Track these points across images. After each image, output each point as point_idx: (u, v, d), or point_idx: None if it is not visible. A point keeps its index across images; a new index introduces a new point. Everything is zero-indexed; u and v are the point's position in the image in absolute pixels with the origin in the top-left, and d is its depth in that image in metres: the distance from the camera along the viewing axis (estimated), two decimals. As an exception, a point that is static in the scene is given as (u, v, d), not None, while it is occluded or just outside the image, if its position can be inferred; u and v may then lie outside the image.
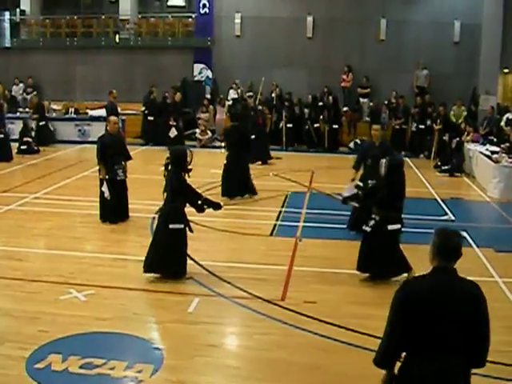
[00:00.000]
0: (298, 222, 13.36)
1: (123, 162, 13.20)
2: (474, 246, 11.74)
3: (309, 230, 12.68)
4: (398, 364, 4.70)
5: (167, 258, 9.59)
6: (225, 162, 15.83)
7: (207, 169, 19.30)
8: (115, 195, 12.91)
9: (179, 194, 9.69)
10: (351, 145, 24.25)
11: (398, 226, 9.77)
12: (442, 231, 4.69)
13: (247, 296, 9.12)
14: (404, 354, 4.61)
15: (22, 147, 21.96)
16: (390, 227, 9.66)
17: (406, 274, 9.62)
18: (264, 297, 9.06)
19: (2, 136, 20.72)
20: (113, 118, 13.86)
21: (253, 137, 20.15)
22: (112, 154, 12.90)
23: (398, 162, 10.14)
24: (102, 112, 25.23)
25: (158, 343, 7.65)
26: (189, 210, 9.91)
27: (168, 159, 9.89)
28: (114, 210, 13.00)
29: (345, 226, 12.67)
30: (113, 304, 8.75)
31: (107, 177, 12.88)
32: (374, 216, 9.79)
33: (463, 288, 4.58)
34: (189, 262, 10.45)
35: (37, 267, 10.28)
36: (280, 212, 14.18)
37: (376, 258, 9.70)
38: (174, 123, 22.26)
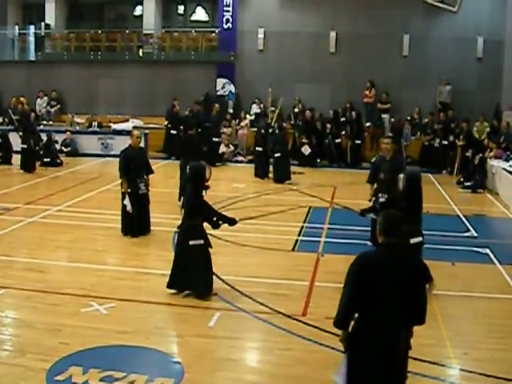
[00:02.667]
0: (320, 237, 13.32)
1: (145, 176, 13.25)
2: (496, 263, 11.62)
3: (331, 246, 12.63)
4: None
5: (191, 275, 9.54)
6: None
7: (229, 183, 19.38)
8: (137, 209, 12.95)
9: (196, 210, 9.67)
10: (374, 159, 24.11)
11: (420, 238, 9.73)
12: (386, 213, 5.78)
13: (268, 311, 9.09)
14: (356, 314, 5.49)
15: (46, 159, 22.13)
16: (412, 241, 9.61)
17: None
18: (285, 312, 9.02)
19: (25, 147, 20.90)
20: (136, 131, 13.94)
21: (278, 155, 20.23)
22: (134, 168, 12.96)
23: (415, 176, 10.10)
24: (125, 126, 25.49)
25: (178, 357, 7.61)
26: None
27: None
28: (136, 223, 13.03)
29: (367, 242, 12.60)
30: (134, 317, 8.75)
31: (129, 190, 12.92)
32: None
33: (405, 260, 5.53)
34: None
35: (58, 279, 10.31)
36: (302, 227, 14.15)
37: None
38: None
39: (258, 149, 21.01)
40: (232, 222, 10.19)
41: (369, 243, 12.39)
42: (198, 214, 9.68)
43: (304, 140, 23.57)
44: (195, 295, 9.54)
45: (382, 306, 5.33)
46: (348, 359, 5.58)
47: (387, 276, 5.35)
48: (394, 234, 5.52)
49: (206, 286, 9.63)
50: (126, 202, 12.90)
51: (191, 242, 9.51)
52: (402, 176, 9.92)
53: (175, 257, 9.82)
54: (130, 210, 12.88)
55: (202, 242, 9.60)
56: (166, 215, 14.46)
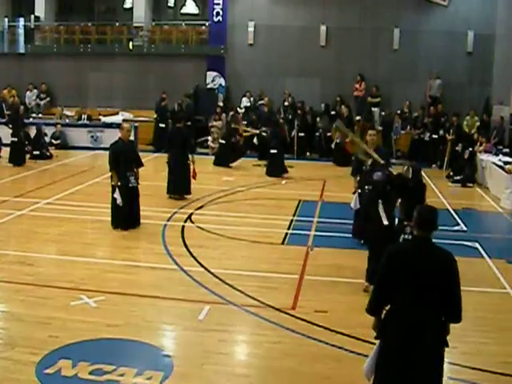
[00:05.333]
0: (310, 230, 13.35)
1: (135, 169, 13.24)
2: (485, 256, 11.67)
3: (320, 239, 12.66)
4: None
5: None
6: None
7: (220, 176, 19.37)
8: (127, 202, 12.93)
9: None
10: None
11: None
12: (422, 208, 5.84)
13: (258, 304, 9.10)
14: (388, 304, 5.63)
15: (35, 152, 22.05)
16: None
17: None
18: (275, 305, 9.04)
19: (16, 140, 20.83)
20: (126, 124, 13.91)
21: (274, 151, 20.20)
22: (124, 161, 12.94)
23: (418, 166, 10.18)
24: (115, 119, 25.43)
25: (168, 350, 7.63)
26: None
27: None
28: (126, 216, 13.02)
29: (349, 235, 12.68)
30: (123, 310, 8.74)
31: (119, 183, 12.91)
32: (407, 223, 9.33)
33: (439, 253, 5.57)
34: (200, 269, 10.49)
35: (48, 273, 10.30)
36: (292, 220, 14.16)
37: None
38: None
39: (272, 151, 20.58)
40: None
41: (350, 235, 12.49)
42: None
43: None
44: None
45: (412, 297, 5.42)
46: (378, 347, 5.73)
47: (418, 268, 5.43)
48: (429, 228, 5.61)
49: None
50: (116, 195, 12.87)
51: None
52: (406, 167, 9.92)
53: None
54: (119, 203, 12.86)
55: None
56: (155, 208, 14.47)
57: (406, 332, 5.42)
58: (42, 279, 9.86)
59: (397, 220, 9.99)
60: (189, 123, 22.83)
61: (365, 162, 11.19)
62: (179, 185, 15.78)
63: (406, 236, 9.62)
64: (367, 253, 10.08)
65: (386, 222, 9.81)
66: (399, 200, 10.09)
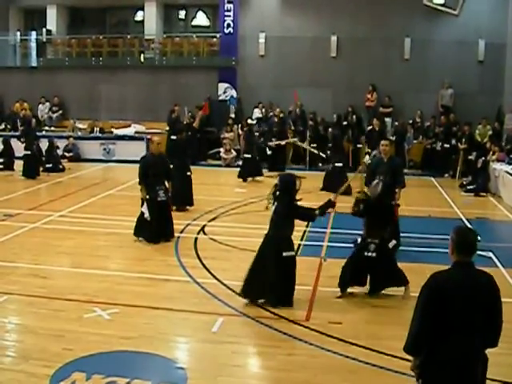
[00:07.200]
0: (323, 241, 13.31)
1: (166, 183, 13.18)
2: (499, 266, 11.60)
3: (333, 250, 12.60)
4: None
5: (278, 286, 9.46)
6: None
7: (231, 188, 19.38)
8: (156, 217, 12.85)
9: (290, 221, 9.65)
10: (366, 158, 23.83)
11: (395, 241, 10.28)
12: (460, 229, 5.41)
13: (271, 316, 9.07)
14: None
15: (48, 165, 22.15)
16: (391, 244, 10.11)
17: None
18: (288, 317, 9.01)
19: (29, 153, 20.95)
20: (156, 138, 13.94)
21: (248, 156, 20.78)
22: (153, 174, 12.91)
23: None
24: (127, 131, 25.52)
25: (181, 363, 7.60)
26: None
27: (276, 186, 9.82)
28: (155, 230, 12.89)
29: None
30: (137, 323, 8.74)
31: (148, 197, 12.89)
32: (370, 240, 9.93)
33: (482, 280, 5.17)
34: (214, 281, 10.47)
35: (61, 285, 10.30)
36: (304, 232, 14.10)
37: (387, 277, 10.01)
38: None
39: (246, 155, 21.33)
40: (327, 205, 9.89)
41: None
42: (290, 224, 9.65)
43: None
44: (275, 304, 9.41)
45: (458, 332, 5.01)
46: None
47: (464, 300, 5.01)
48: (471, 252, 5.21)
49: (292, 295, 9.59)
50: (144, 209, 12.84)
51: (285, 254, 9.47)
52: (377, 181, 10.49)
53: (260, 266, 9.58)
54: (147, 217, 12.81)
55: (293, 253, 9.65)
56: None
57: (455, 370, 5.00)
58: (55, 292, 9.87)
59: (359, 239, 10.18)
60: (198, 135, 22.87)
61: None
62: (179, 197, 15.63)
63: (369, 254, 9.76)
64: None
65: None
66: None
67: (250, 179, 21.01)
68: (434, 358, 5.10)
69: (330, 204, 9.81)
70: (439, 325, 5.01)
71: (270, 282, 9.42)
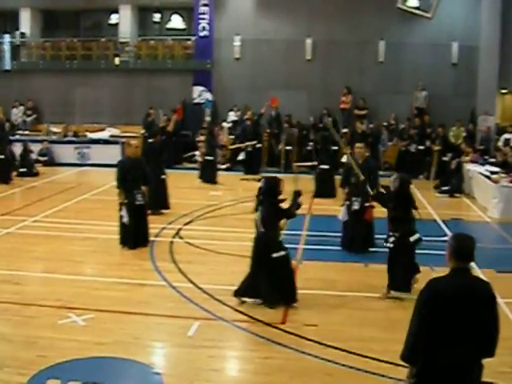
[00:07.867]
0: (298, 244, 13.30)
1: (142, 187, 13.01)
2: (474, 266, 11.65)
3: (309, 252, 12.62)
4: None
5: (273, 286, 9.56)
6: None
7: (207, 191, 19.34)
8: (134, 220, 12.75)
9: (275, 223, 9.77)
10: (344, 158, 23.76)
11: (418, 235, 10.06)
12: (458, 236, 5.43)
13: (248, 319, 9.06)
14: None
15: (22, 170, 21.96)
16: (412, 239, 9.97)
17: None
18: (265, 320, 9.00)
19: (2, 157, 20.74)
20: (134, 141, 13.83)
21: (211, 158, 21.52)
22: (131, 178, 12.76)
23: (407, 177, 10.64)
24: (102, 135, 25.37)
25: (158, 368, 7.55)
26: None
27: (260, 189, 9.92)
28: (133, 235, 12.80)
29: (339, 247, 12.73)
30: (112, 328, 8.67)
31: (126, 201, 12.76)
32: (391, 233, 9.97)
33: (479, 288, 5.14)
34: (189, 285, 10.44)
35: (35, 291, 10.22)
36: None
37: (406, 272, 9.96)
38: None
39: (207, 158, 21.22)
40: (296, 197, 10.17)
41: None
42: (276, 226, 9.76)
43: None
44: (269, 304, 9.53)
45: (455, 340, 4.97)
46: None
47: (461, 307, 4.98)
48: (468, 259, 5.23)
49: (294, 293, 9.68)
50: (123, 212, 12.70)
51: (274, 255, 9.53)
52: (394, 177, 10.42)
53: (255, 269, 9.75)
54: (126, 221, 12.68)
55: (283, 253, 9.69)
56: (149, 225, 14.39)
57: (454, 373, 4.97)
58: (29, 298, 9.77)
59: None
60: (174, 138, 22.78)
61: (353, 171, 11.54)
62: (154, 200, 15.49)
63: (388, 244, 9.82)
64: (356, 265, 10.11)
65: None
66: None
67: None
68: (430, 367, 5.05)
69: (298, 194, 10.12)
70: (436, 332, 4.98)
71: (264, 283, 9.54)
